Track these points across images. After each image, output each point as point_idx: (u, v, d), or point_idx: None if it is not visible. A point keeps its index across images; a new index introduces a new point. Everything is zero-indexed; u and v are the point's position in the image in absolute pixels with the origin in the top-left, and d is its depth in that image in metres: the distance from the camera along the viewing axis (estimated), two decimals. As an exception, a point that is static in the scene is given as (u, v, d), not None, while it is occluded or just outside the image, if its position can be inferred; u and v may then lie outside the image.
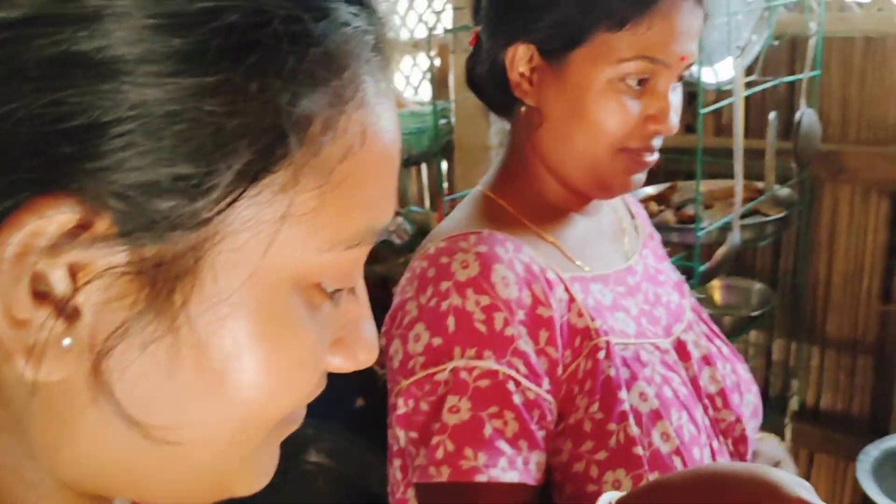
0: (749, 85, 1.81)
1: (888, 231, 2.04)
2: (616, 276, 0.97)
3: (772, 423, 2.17)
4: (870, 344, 2.13)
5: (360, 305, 0.43)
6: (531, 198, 0.96)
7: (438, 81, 3.00)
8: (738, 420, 0.98)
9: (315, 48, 0.34)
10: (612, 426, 0.84)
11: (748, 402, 1.01)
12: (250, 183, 0.33)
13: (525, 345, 0.81)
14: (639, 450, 0.83)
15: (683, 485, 0.70)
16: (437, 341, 0.80)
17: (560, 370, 0.84)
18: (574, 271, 0.92)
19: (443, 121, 2.70)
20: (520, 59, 0.89)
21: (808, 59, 1.86)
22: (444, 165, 3.06)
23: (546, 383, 0.82)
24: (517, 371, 0.80)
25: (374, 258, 2.01)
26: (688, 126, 2.37)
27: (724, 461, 0.94)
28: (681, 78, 0.90)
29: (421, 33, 3.14)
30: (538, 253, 0.89)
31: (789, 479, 0.64)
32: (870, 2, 2.03)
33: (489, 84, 0.97)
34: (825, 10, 1.98)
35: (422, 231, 2.77)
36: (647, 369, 0.90)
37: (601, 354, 0.86)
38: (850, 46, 2.02)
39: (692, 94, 1.99)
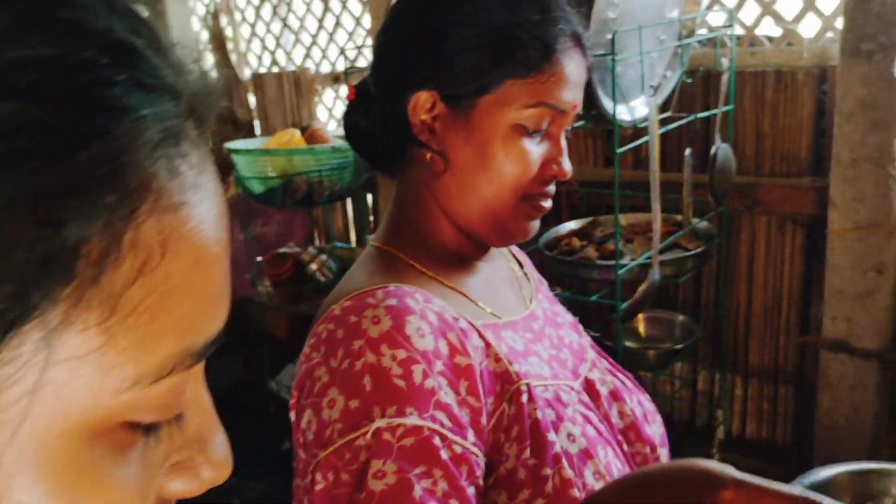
0: (665, 121, 1.83)
1: (804, 261, 2.08)
2: (523, 322, 0.96)
3: (699, 453, 2.18)
4: (790, 373, 2.16)
5: (202, 419, 0.37)
6: (430, 247, 0.94)
7: (361, 114, 2.96)
8: (653, 450, 0.98)
9: (79, 155, 0.27)
10: (547, 470, 0.82)
11: (656, 433, 1.01)
12: (2, 336, 0.27)
13: (446, 396, 0.78)
14: (575, 492, 0.81)
15: (620, 493, 0.71)
16: (354, 404, 0.75)
17: (484, 419, 0.81)
18: (485, 318, 0.91)
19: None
20: (424, 107, 0.88)
21: (721, 94, 1.88)
22: (370, 199, 3.02)
23: (471, 435, 0.79)
24: (442, 425, 0.76)
25: (297, 298, 1.95)
26: (607, 160, 2.39)
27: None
28: (567, 128, 0.93)
29: (342, 65, 3.10)
30: (447, 302, 0.86)
31: (718, 465, 0.66)
32: (779, 36, 2.08)
33: (378, 135, 0.94)
34: (736, 45, 2.02)
35: (347, 268, 2.71)
36: (569, 409, 0.89)
37: (524, 398, 0.84)
38: (762, 80, 2.06)
39: (608, 130, 2.01)
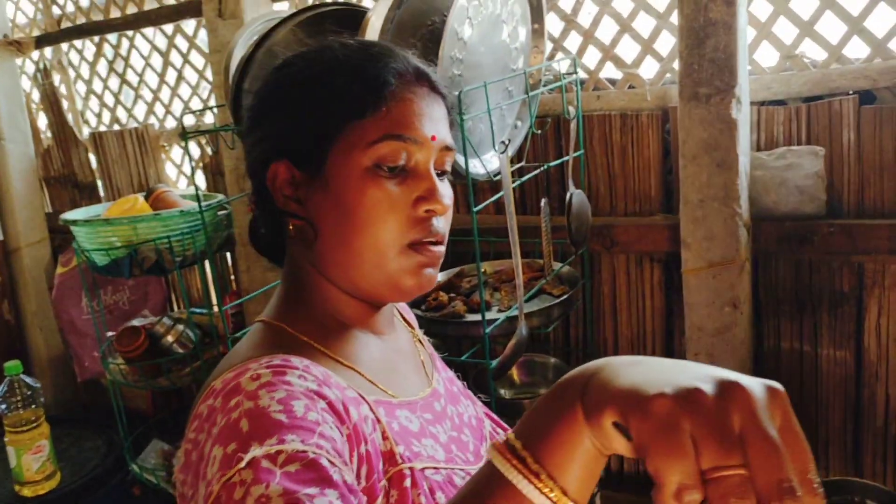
0: (518, 172, 1.83)
1: (664, 296, 2.13)
2: (423, 402, 0.93)
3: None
4: (660, 406, 2.20)
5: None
6: (322, 322, 0.90)
7: (212, 172, 2.83)
8: None
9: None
10: None
11: None
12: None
13: (331, 431, 0.71)
14: None
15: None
16: (231, 448, 0.68)
17: (363, 477, 0.76)
18: (378, 395, 0.87)
19: (222, 212, 2.53)
20: (282, 179, 0.87)
21: (571, 140, 1.90)
22: (230, 259, 2.88)
23: (353, 476, 0.73)
24: (327, 451, 0.69)
25: (154, 373, 1.78)
26: (470, 207, 2.38)
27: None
28: (443, 168, 0.90)
29: (189, 121, 2.96)
30: (338, 375, 0.82)
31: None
32: (621, 79, 2.14)
33: (270, 233, 0.94)
34: (581, 90, 2.06)
35: (207, 334, 2.56)
36: None
37: (407, 482, 0.80)
38: (609, 124, 2.10)
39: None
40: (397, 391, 0.90)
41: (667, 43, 2.05)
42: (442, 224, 0.89)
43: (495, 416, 1.10)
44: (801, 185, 1.86)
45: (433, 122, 0.88)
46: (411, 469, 0.81)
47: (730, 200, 1.79)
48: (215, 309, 2.68)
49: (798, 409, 1.84)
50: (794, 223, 1.88)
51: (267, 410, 0.69)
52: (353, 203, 0.84)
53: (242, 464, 0.65)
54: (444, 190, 0.89)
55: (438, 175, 0.89)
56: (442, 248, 0.90)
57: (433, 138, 0.87)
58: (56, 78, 3.25)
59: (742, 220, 1.81)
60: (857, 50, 1.84)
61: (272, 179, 0.88)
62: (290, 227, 0.88)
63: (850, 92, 1.82)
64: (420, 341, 1.09)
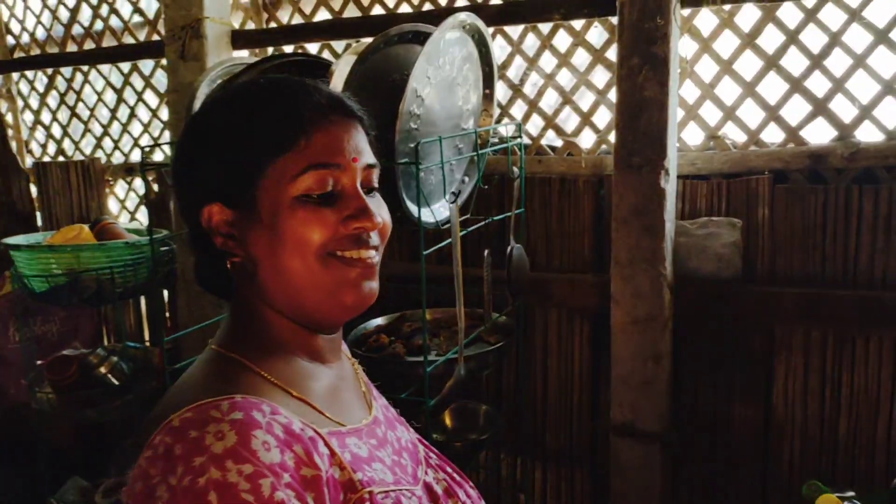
0: (465, 223, 1.94)
1: (591, 350, 2.25)
2: (367, 429, 0.97)
3: (505, 541, 2.24)
4: (584, 456, 2.31)
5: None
6: (272, 352, 0.92)
7: (157, 207, 2.86)
8: None
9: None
10: None
11: None
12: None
13: None
14: None
15: None
16: None
17: None
18: (329, 426, 0.90)
19: (164, 248, 2.56)
20: (216, 221, 0.91)
21: (514, 198, 2.04)
22: (166, 295, 2.88)
23: None
24: None
25: (84, 404, 1.79)
26: (412, 255, 2.48)
27: None
28: (371, 184, 0.95)
29: (136, 157, 2.99)
30: (292, 412, 0.85)
31: None
32: (561, 146, 2.30)
33: (213, 272, 0.96)
34: (525, 154, 2.21)
35: (141, 369, 2.55)
36: None
37: None
38: (548, 186, 2.25)
39: (416, 231, 2.09)
40: (344, 419, 0.94)
41: (604, 116, 2.22)
42: (375, 237, 0.93)
43: (427, 442, 1.15)
44: (720, 253, 2.03)
45: (353, 144, 0.92)
46: (370, 493, 0.86)
47: (656, 262, 1.94)
48: (148, 343, 2.68)
49: (711, 463, 1.96)
50: (712, 287, 2.04)
51: (236, 489, 0.73)
52: (286, 230, 0.87)
53: None
54: (376, 206, 0.93)
55: (367, 192, 0.94)
56: (376, 259, 0.94)
57: (355, 160, 0.91)
58: (3, 106, 3.25)
59: (667, 281, 1.96)
60: (772, 135, 2.04)
61: (207, 221, 0.91)
62: (229, 265, 0.92)
63: (766, 171, 2.01)
64: (356, 371, 1.14)
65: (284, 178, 0.88)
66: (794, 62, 1.97)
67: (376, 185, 0.96)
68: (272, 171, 0.88)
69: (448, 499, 1.01)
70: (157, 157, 2.84)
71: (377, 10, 2.46)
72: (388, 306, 2.29)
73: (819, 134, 1.99)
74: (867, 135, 1.93)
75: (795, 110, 1.99)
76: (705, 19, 2.05)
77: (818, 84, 1.95)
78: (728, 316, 2.05)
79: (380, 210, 0.94)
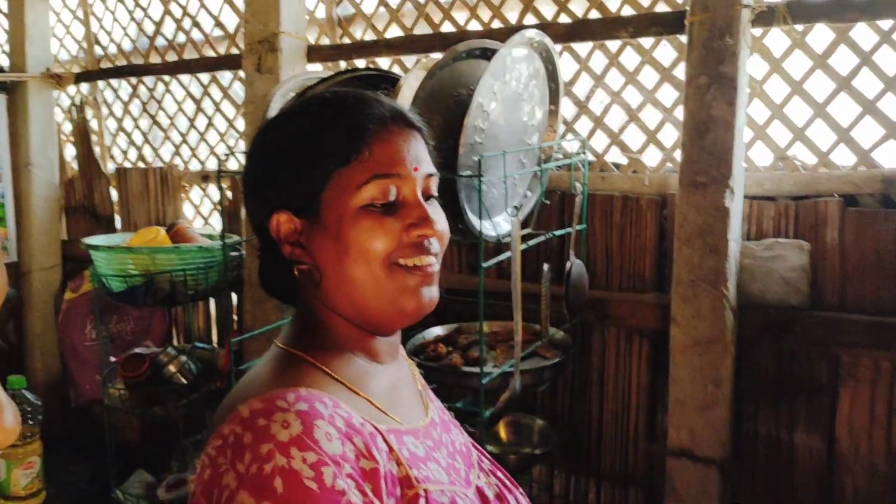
0: (525, 237, 1.95)
1: (649, 372, 2.23)
2: (424, 430, 0.99)
3: (556, 560, 2.23)
4: (640, 478, 2.27)
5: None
6: (333, 350, 0.96)
7: (229, 214, 2.95)
8: None
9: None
10: None
11: None
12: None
13: (355, 497, 0.79)
14: None
15: None
16: None
17: None
18: (389, 423, 0.93)
19: (234, 253, 2.64)
20: (284, 228, 0.95)
21: (575, 214, 2.04)
22: (235, 298, 2.97)
23: None
24: None
25: (153, 401, 1.87)
26: (472, 268, 2.50)
27: None
28: (430, 192, 0.98)
29: (212, 165, 3.10)
30: (353, 407, 0.88)
31: None
32: (626, 164, 2.29)
33: (278, 278, 1.00)
34: (588, 170, 2.21)
35: (207, 369, 2.63)
36: None
37: (422, 502, 0.87)
38: (611, 204, 2.25)
39: (476, 243, 2.12)
40: (402, 418, 0.97)
41: (670, 135, 2.21)
42: (435, 244, 0.96)
43: (479, 447, 1.17)
44: (787, 277, 1.99)
45: (413, 155, 0.95)
46: (426, 490, 0.89)
47: (718, 283, 1.91)
48: (216, 344, 2.76)
49: (772, 493, 1.92)
50: (777, 312, 2.00)
51: (300, 476, 0.76)
52: (350, 239, 0.91)
53: None
54: (435, 214, 0.95)
55: (426, 200, 0.97)
56: (436, 267, 0.96)
57: (416, 169, 0.94)
58: (89, 113, 3.42)
59: (729, 303, 1.93)
60: (843, 157, 1.99)
61: (276, 231, 0.95)
62: (297, 272, 0.96)
63: (836, 195, 1.97)
64: (413, 372, 1.17)
65: (349, 189, 0.91)
66: (867, 84, 1.92)
67: (435, 193, 0.99)
68: (337, 181, 0.92)
69: (498, 503, 1.03)
70: (232, 165, 2.94)
71: (447, 27, 2.51)
72: (446, 318, 2.31)
73: (892, 158, 1.93)
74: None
75: (867, 132, 1.94)
76: (776, 39, 2.02)
77: (891, 106, 1.90)
78: (793, 342, 2.00)
79: (439, 217, 0.97)
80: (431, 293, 0.96)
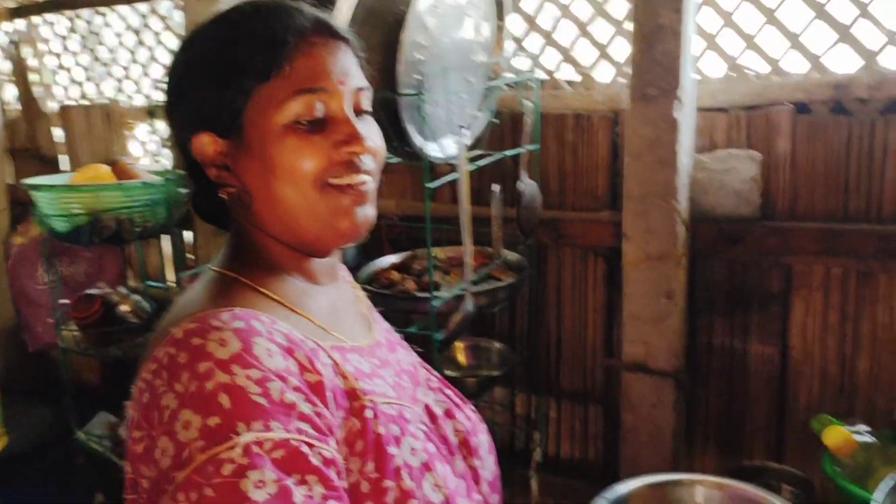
0: (476, 158, 1.91)
1: (605, 289, 2.23)
2: (369, 349, 0.98)
3: (518, 476, 2.26)
4: (598, 394, 2.30)
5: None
6: (270, 273, 0.94)
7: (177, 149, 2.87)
8: (482, 461, 1.04)
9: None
10: (388, 483, 0.84)
11: (483, 442, 1.07)
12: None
13: (306, 408, 0.78)
14: (413, 502, 0.84)
15: None
16: (213, 421, 0.74)
17: (336, 432, 0.83)
18: (331, 341, 0.92)
19: (183, 189, 2.58)
20: (207, 150, 0.91)
21: (526, 134, 2.00)
22: (189, 236, 2.91)
23: (333, 441, 0.81)
24: (307, 434, 0.77)
25: (107, 341, 1.83)
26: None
27: None
28: (362, 108, 0.93)
29: (157, 99, 3.00)
30: (293, 325, 0.87)
31: None
32: (578, 81, 2.24)
33: (209, 203, 0.96)
34: (539, 88, 2.16)
35: (162, 307, 2.59)
36: (411, 426, 0.92)
37: (369, 413, 0.86)
38: (563, 122, 2.21)
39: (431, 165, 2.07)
40: (346, 337, 0.96)
41: (621, 49, 2.16)
42: (368, 162, 0.92)
43: (427, 365, 1.16)
44: (738, 189, 1.98)
45: (340, 67, 0.90)
46: (373, 401, 0.88)
47: (669, 197, 1.90)
48: (172, 282, 2.72)
49: (726, 401, 1.95)
50: (729, 224, 1.99)
51: (246, 391, 0.74)
52: (277, 160, 0.87)
53: (237, 449, 0.72)
54: (367, 130, 0.91)
55: (359, 115, 0.92)
56: (370, 185, 0.93)
57: (342, 83, 0.89)
58: (27, 51, 3.27)
59: (681, 216, 1.92)
60: (795, 64, 1.96)
61: (199, 153, 0.91)
62: (226, 196, 0.92)
63: (788, 103, 1.94)
64: (357, 295, 1.15)
65: (272, 106, 0.87)
66: (818, -14, 1.89)
67: (368, 108, 0.95)
68: (258, 98, 0.87)
69: (448, 420, 1.03)
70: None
71: (390, -56, 2.41)
72: (401, 245, 2.29)
73: (843, 63, 1.91)
74: (893, 62, 1.85)
75: (819, 38, 1.91)
76: (726, -57, 1.97)
77: (842, 9, 1.86)
78: (745, 253, 2.00)
79: (371, 133, 0.93)
80: (367, 213, 0.93)
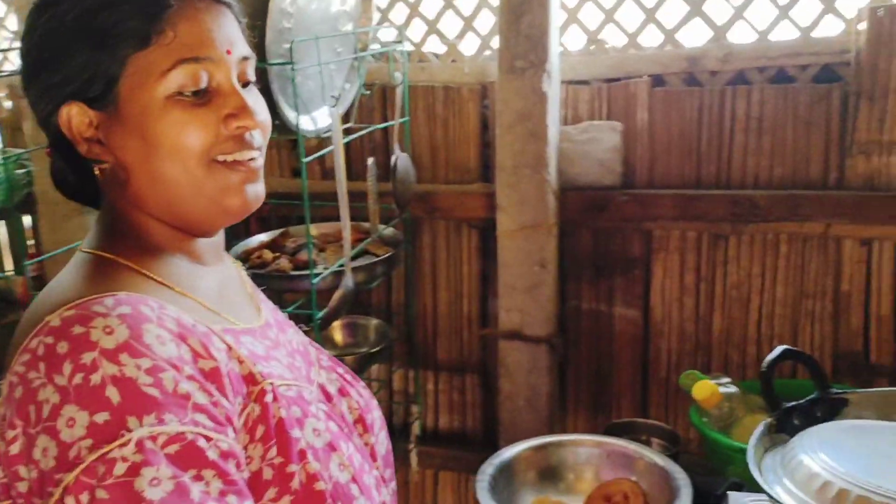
0: (346, 132, 1.88)
1: (480, 261, 2.26)
2: (260, 330, 0.94)
3: (398, 450, 2.27)
4: (475, 364, 2.34)
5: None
6: (152, 254, 0.87)
7: (11, 127, 2.63)
8: (376, 437, 1.03)
9: None
10: (293, 466, 0.81)
11: (376, 418, 1.06)
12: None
13: (202, 398, 0.74)
14: (321, 484, 0.82)
15: None
16: (101, 417, 0.68)
17: (235, 420, 0.78)
18: (223, 323, 0.87)
19: (21, 171, 2.37)
20: (76, 123, 0.83)
21: (396, 106, 1.98)
22: (29, 221, 2.69)
23: (231, 432, 0.76)
24: (204, 427, 0.72)
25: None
26: (294, 171, 2.40)
27: None
28: (247, 78, 0.88)
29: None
30: (182, 309, 0.81)
31: None
32: (444, 53, 2.25)
33: (77, 178, 0.89)
34: (408, 60, 2.14)
35: (4, 299, 2.38)
36: (312, 406, 0.89)
37: (269, 398, 0.82)
38: (432, 95, 2.21)
39: (295, 141, 2.01)
40: (236, 318, 0.91)
41: (487, 21, 2.18)
42: (258, 137, 0.87)
43: (317, 345, 1.13)
44: (602, 158, 2.06)
45: (225, 34, 0.84)
46: (272, 385, 0.84)
47: (540, 168, 1.95)
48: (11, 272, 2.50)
49: (595, 363, 2.03)
50: (594, 193, 2.07)
51: (136, 383, 0.70)
52: (159, 135, 0.81)
53: (130, 446, 0.67)
54: (255, 103, 0.86)
55: (243, 86, 0.86)
56: (260, 161, 0.88)
57: (228, 52, 0.84)
58: None
59: (551, 187, 1.97)
60: (652, 38, 2.06)
61: (67, 126, 0.83)
62: (98, 172, 0.85)
63: (645, 75, 2.03)
64: (240, 274, 1.10)
65: (152, 76, 0.80)
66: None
67: (252, 78, 0.89)
68: (136, 67, 0.80)
69: (342, 398, 1.01)
70: (6, 68, 2.59)
71: None
72: (270, 223, 2.22)
73: (695, 37, 2.02)
74: (740, 36, 1.98)
75: (673, 13, 2.01)
76: (586, -82, 2.02)
77: (694, -15, 1.97)
78: (609, 220, 2.09)
79: (259, 107, 0.87)
80: (257, 189, 0.88)
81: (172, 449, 0.69)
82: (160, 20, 0.80)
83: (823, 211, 1.91)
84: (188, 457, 0.70)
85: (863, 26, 1.82)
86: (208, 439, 0.72)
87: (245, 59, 0.87)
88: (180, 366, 0.74)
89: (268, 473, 0.80)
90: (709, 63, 1.98)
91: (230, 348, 0.83)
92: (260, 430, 0.81)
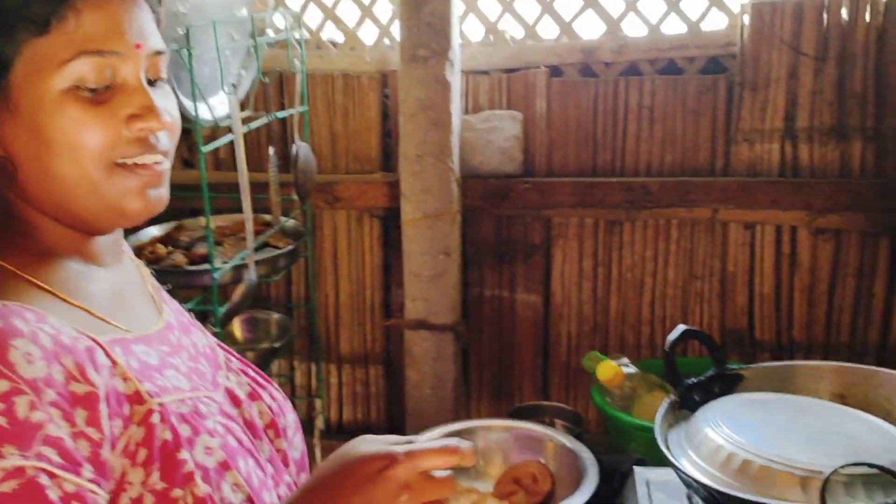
0: (244, 121, 1.82)
1: (382, 251, 2.25)
2: (159, 335, 0.88)
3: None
4: (379, 355, 2.33)
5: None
6: (39, 255, 0.80)
7: None
8: (289, 442, 0.98)
9: None
10: (178, 492, 0.75)
11: (290, 421, 1.01)
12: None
13: (57, 429, 0.67)
14: None
15: None
16: None
17: (107, 450, 0.72)
18: (112, 333, 0.80)
19: None
20: None
21: (295, 94, 1.94)
22: None
23: (88, 471, 0.69)
24: (49, 462, 0.65)
25: None
26: (185, 161, 2.30)
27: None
28: (158, 75, 0.81)
29: None
30: (65, 320, 0.74)
31: (356, 444, 0.76)
32: (343, 41, 2.21)
33: None
34: (306, 48, 2.10)
35: None
36: (208, 421, 0.83)
37: (155, 418, 0.77)
38: (332, 83, 2.17)
39: (188, 129, 1.93)
40: (131, 325, 0.85)
41: (385, 10, 2.16)
42: (164, 140, 0.81)
43: (226, 346, 1.09)
44: (503, 147, 2.09)
45: (137, 27, 0.77)
46: (161, 404, 0.78)
47: (444, 157, 1.95)
48: None
49: (497, 348, 2.05)
50: (496, 181, 2.10)
51: None
52: (53, 131, 0.74)
53: None
54: (163, 102, 0.80)
55: (152, 83, 0.80)
56: (166, 165, 0.82)
57: (139, 46, 0.77)
58: None
59: (454, 175, 1.98)
60: (549, 30, 2.10)
61: None
62: None
63: (543, 66, 2.07)
64: (142, 273, 1.05)
65: (49, 66, 0.73)
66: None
67: (163, 75, 0.82)
68: (32, 54, 0.74)
69: (252, 402, 0.95)
70: None
71: None
72: (161, 216, 2.12)
73: (591, 29, 2.07)
74: (633, 29, 2.05)
75: (569, 5, 2.05)
76: None
77: (589, -22, 2.03)
78: (510, 208, 2.13)
79: (168, 106, 0.80)
80: (160, 193, 0.81)
81: (9, 486, 0.63)
82: (62, 5, 0.73)
83: (711, 197, 2.01)
84: (25, 495, 0.64)
85: (746, 20, 1.92)
86: (52, 476, 0.66)
87: (158, 53, 0.80)
88: (43, 389, 0.68)
89: (149, 500, 0.75)
90: (603, 55, 2.04)
91: (115, 364, 0.77)
92: (142, 454, 0.76)
